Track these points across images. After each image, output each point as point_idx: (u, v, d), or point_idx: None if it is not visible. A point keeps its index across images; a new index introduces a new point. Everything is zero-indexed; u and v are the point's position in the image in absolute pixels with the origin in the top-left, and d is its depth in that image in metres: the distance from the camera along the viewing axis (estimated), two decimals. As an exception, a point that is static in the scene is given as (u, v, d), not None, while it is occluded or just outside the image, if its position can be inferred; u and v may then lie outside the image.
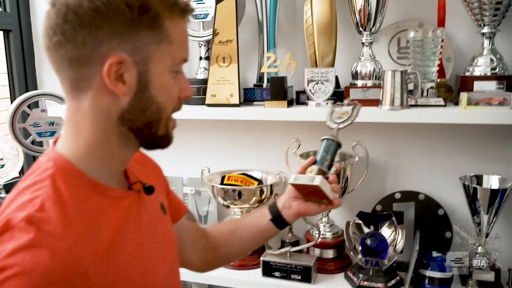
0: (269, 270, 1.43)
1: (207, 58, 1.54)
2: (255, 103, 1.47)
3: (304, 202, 0.98)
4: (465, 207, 1.36)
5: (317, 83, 1.33)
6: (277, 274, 1.42)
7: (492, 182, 1.36)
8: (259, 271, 1.45)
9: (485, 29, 1.26)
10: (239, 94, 1.40)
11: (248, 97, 1.48)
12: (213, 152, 1.71)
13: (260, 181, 1.57)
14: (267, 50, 1.46)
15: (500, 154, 1.40)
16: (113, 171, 0.73)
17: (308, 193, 0.95)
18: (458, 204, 1.45)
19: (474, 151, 1.43)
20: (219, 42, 1.40)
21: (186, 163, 1.74)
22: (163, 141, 0.74)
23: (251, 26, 1.56)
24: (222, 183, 1.58)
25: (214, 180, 1.59)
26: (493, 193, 1.29)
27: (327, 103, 1.33)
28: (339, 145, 0.97)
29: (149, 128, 0.70)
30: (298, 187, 0.95)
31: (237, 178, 1.56)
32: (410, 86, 1.28)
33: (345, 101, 1.01)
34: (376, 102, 1.29)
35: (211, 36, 1.44)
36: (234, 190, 1.49)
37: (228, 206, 1.54)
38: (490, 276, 1.31)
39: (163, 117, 0.71)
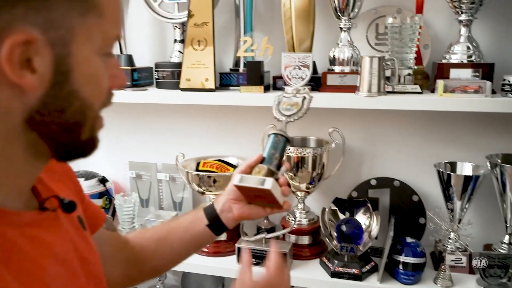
0: (244, 257, 1.42)
1: (182, 41, 1.49)
2: (231, 88, 1.44)
3: (247, 205, 0.87)
4: (439, 193, 1.38)
5: (294, 69, 1.31)
6: (252, 260, 1.41)
7: (465, 169, 1.38)
8: (234, 258, 1.44)
9: (463, 17, 1.26)
10: (214, 79, 1.36)
11: (224, 81, 1.44)
12: (188, 137, 1.68)
13: (236, 167, 1.55)
14: (244, 34, 1.42)
15: (474, 141, 1.42)
16: (19, 190, 0.55)
17: (254, 196, 0.85)
18: (432, 191, 1.47)
19: (449, 138, 1.44)
20: (194, 24, 1.36)
21: (160, 149, 1.71)
22: (87, 148, 0.55)
23: (228, 9, 1.52)
24: (197, 170, 1.55)
25: (189, 166, 1.56)
26: (467, 179, 1.30)
27: (304, 88, 1.31)
28: (288, 141, 0.88)
29: (69, 133, 0.52)
30: (243, 189, 0.84)
31: (213, 165, 1.54)
32: (388, 73, 1.28)
33: (294, 90, 0.91)
34: (353, 89, 1.28)
35: (186, 18, 1.39)
36: (209, 177, 1.46)
37: (203, 193, 1.52)
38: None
39: (89, 117, 0.53)
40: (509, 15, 1.31)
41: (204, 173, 1.47)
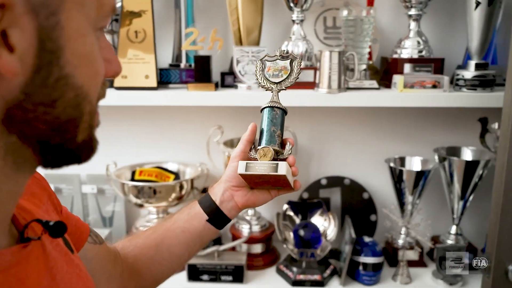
0: (195, 273, 1.28)
1: (112, 32, 1.28)
2: (170, 85, 1.28)
3: (250, 191, 0.75)
4: (388, 189, 1.37)
5: (247, 64, 1.19)
6: (205, 277, 1.28)
7: (414, 163, 1.39)
8: (184, 275, 1.29)
9: (412, 11, 1.25)
10: (156, 75, 1.19)
11: (163, 78, 1.28)
12: (118, 142, 1.46)
13: (176, 174, 1.40)
14: (186, 26, 1.27)
15: (420, 135, 1.43)
16: (0, 219, 0.42)
17: (260, 182, 0.73)
18: (382, 187, 1.46)
19: (398, 133, 1.44)
20: (130, 12, 1.17)
21: (84, 157, 1.47)
22: (85, 151, 0.43)
23: (161, -3, 1.35)
24: (133, 179, 1.36)
25: (123, 175, 1.37)
26: (418, 174, 1.31)
27: (259, 85, 1.21)
28: (285, 112, 0.75)
29: (62, 133, 0.40)
30: (248, 178, 0.72)
31: (151, 173, 1.37)
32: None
33: (276, 53, 0.78)
34: (309, 85, 1.21)
35: (119, 3, 1.19)
36: (150, 187, 1.29)
37: (141, 205, 1.34)
38: (414, 255, 1.35)
39: (85, 112, 0.41)
40: (454, 11, 1.34)
41: (144, 184, 1.29)
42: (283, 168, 0.69)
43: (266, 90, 0.77)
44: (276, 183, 0.73)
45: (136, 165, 1.40)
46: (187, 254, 0.78)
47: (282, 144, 0.74)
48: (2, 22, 0.32)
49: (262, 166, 0.70)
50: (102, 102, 1.33)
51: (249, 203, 0.75)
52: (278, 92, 0.76)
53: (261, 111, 0.75)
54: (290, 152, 0.73)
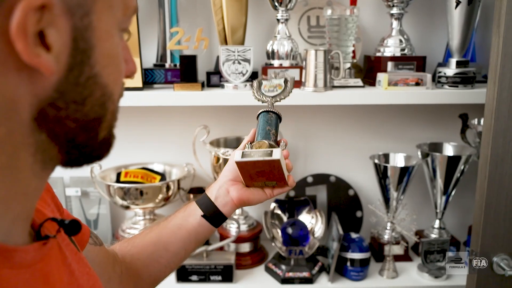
0: (184, 274, 1.27)
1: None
2: (155, 85, 1.27)
3: (244, 187, 0.76)
4: (373, 185, 1.39)
5: (233, 63, 1.20)
6: (194, 277, 1.27)
7: (398, 159, 1.41)
8: (172, 276, 1.28)
9: (394, 10, 1.27)
10: (142, 75, 1.18)
11: (148, 79, 1.27)
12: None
13: (162, 175, 1.39)
14: (170, 26, 1.26)
15: (407, 132, 1.46)
16: (27, 215, 0.43)
17: (255, 174, 0.73)
18: (367, 183, 1.48)
19: (382, 130, 1.46)
20: (114, 12, 1.16)
21: (67, 160, 1.45)
22: (103, 150, 0.45)
23: (144, -3, 1.34)
24: (118, 181, 1.35)
25: (108, 177, 1.35)
26: (402, 170, 1.33)
27: (245, 85, 1.21)
28: (279, 118, 0.80)
29: (88, 131, 0.41)
30: (244, 167, 0.72)
31: (137, 174, 1.36)
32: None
33: (272, 75, 0.85)
34: (295, 84, 1.21)
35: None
36: (137, 189, 1.28)
37: (128, 207, 1.32)
38: (400, 250, 1.37)
39: (109, 110, 0.42)
40: (434, 9, 1.37)
41: (131, 185, 1.28)
42: (277, 153, 0.70)
43: (262, 103, 0.81)
44: (271, 176, 0.73)
45: (121, 167, 1.38)
46: (183, 252, 0.77)
47: (277, 143, 0.76)
48: (41, 22, 0.34)
49: (257, 153, 0.71)
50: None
51: (243, 198, 0.76)
52: (273, 103, 0.80)
53: (257, 118, 0.78)
54: (284, 148, 0.74)
